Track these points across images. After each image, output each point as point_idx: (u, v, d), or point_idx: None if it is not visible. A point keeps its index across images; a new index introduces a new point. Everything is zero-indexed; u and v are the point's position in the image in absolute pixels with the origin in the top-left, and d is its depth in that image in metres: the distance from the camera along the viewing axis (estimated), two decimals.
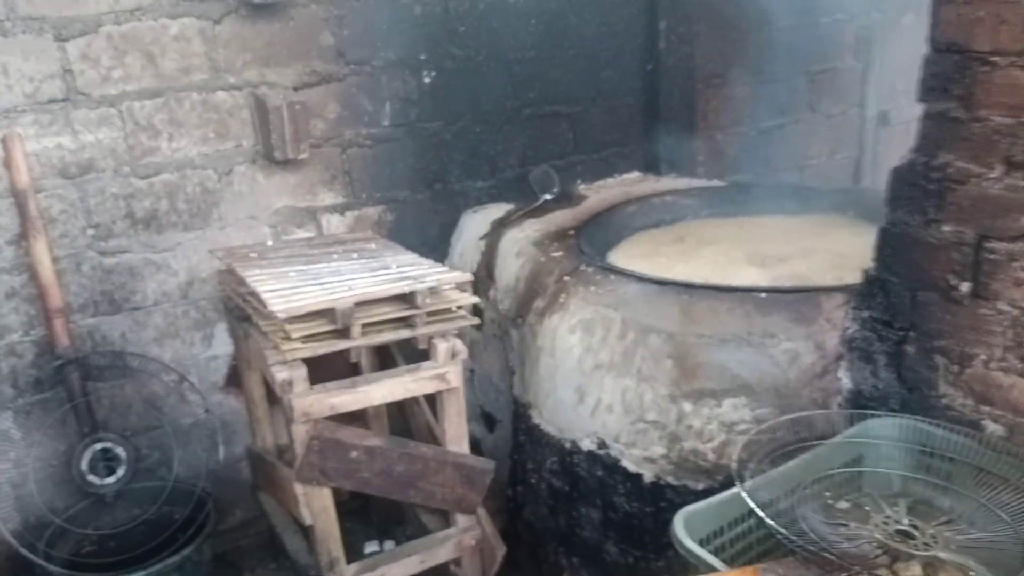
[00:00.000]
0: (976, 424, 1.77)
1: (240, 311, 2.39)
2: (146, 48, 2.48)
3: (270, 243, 2.61)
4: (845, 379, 1.99)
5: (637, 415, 2.13)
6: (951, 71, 1.72)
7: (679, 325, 2.10)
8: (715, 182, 3.28)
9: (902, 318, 1.88)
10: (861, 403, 1.96)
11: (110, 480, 2.55)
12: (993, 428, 1.76)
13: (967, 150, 1.71)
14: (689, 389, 2.06)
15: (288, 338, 2.04)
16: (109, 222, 2.55)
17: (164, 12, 2.48)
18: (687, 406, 2.06)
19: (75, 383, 2.51)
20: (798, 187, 3.04)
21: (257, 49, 2.62)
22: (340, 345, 2.03)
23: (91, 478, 2.53)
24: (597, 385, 2.20)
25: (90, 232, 2.53)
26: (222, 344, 2.80)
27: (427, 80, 2.93)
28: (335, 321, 2.00)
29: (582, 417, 2.26)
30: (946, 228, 1.76)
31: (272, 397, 2.64)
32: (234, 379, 2.81)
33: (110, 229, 2.56)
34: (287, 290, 2.06)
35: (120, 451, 2.56)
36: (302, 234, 2.81)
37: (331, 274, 2.19)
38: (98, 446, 2.54)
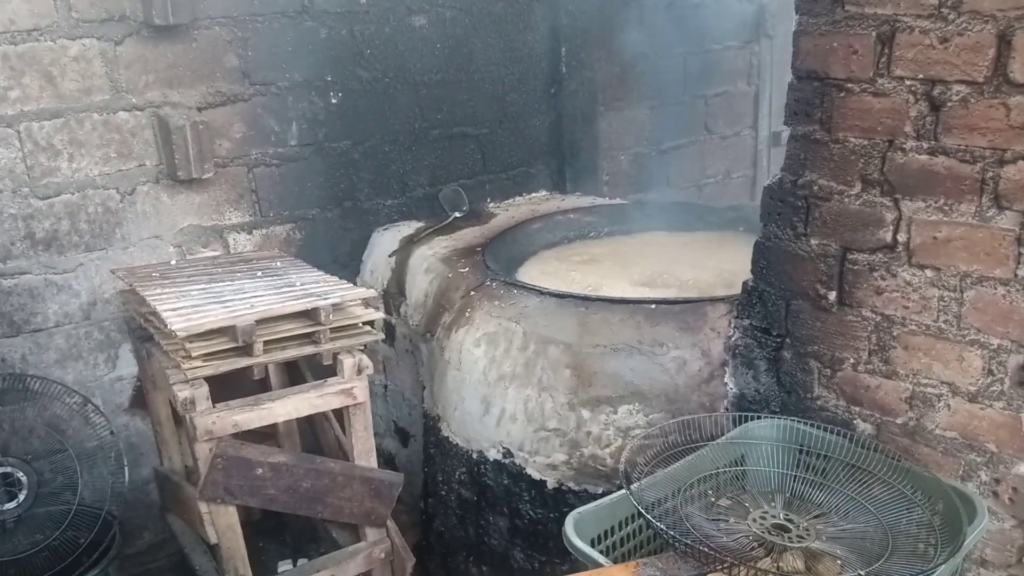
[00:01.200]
0: (848, 423, 1.92)
1: (143, 331, 2.39)
2: (45, 69, 2.46)
3: (174, 262, 2.60)
4: (730, 384, 2.12)
5: (539, 423, 2.21)
6: (812, 97, 1.87)
7: (576, 336, 2.20)
8: (617, 200, 3.42)
9: (779, 326, 2.02)
10: (745, 406, 2.09)
11: (10, 506, 2.49)
12: (863, 427, 1.91)
13: (829, 169, 1.86)
14: (586, 397, 2.16)
15: (189, 357, 2.05)
16: (7, 243, 2.51)
17: (63, 33, 2.47)
18: (585, 413, 2.16)
19: None
20: (693, 205, 3.19)
21: (160, 70, 2.63)
22: (242, 363, 2.06)
23: None
24: (501, 396, 2.28)
25: None
26: (127, 365, 2.77)
27: (334, 101, 2.98)
28: (236, 339, 2.03)
29: (488, 427, 2.33)
30: (813, 241, 1.91)
31: (178, 417, 2.63)
32: (140, 400, 2.78)
33: (8, 250, 2.52)
34: (187, 309, 2.08)
35: (21, 475, 2.51)
36: (208, 253, 2.81)
37: (234, 292, 2.21)
38: None
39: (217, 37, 2.71)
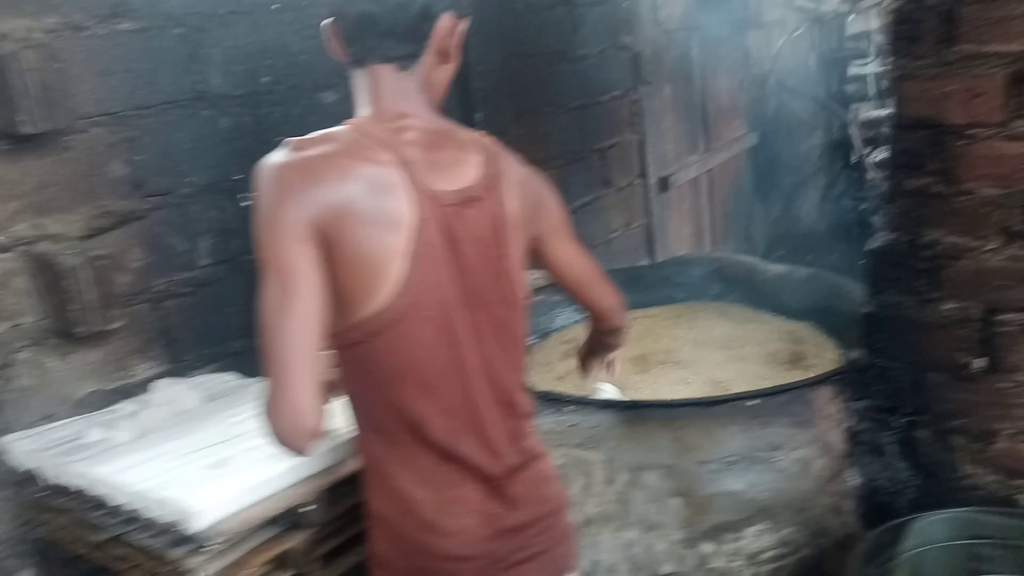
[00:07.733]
0: (1007, 500, 1.72)
1: (81, 560, 1.68)
2: None
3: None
4: (856, 476, 1.86)
5: (649, 571, 1.81)
6: (923, 147, 1.68)
7: (674, 455, 1.83)
8: None
9: (907, 403, 1.79)
10: (876, 499, 1.85)
11: None
12: None
13: (957, 225, 1.67)
14: (705, 527, 1.80)
15: None
16: None
17: None
18: (707, 547, 1.79)
19: None
20: (653, 271, 3.00)
21: (27, 194, 1.91)
22: None
23: None
24: (591, 546, 1.85)
25: None
26: None
27: (245, 204, 2.38)
28: None
29: None
30: (947, 306, 1.70)
31: None
32: None
33: None
34: None
35: None
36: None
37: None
38: None
39: (96, 141, 2.04)
